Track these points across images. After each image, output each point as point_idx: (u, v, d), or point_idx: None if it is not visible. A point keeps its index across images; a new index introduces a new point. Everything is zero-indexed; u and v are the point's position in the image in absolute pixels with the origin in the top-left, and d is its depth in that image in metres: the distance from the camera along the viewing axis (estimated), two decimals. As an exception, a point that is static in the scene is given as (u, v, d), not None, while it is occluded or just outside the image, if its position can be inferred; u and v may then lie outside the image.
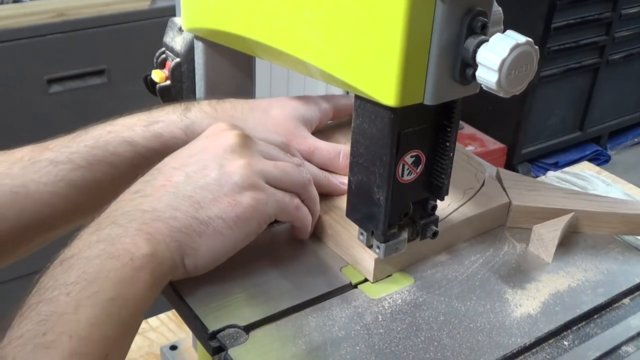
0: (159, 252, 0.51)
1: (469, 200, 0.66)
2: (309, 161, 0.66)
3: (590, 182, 1.14)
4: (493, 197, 0.67)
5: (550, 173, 1.23)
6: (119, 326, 0.47)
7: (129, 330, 0.49)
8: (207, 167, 0.55)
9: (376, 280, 0.59)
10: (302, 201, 0.59)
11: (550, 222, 0.64)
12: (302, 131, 0.67)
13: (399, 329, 0.55)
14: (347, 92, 0.58)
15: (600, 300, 0.59)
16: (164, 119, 0.64)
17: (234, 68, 0.75)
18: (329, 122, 0.73)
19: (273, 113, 0.67)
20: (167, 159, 0.57)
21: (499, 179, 0.70)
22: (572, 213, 0.65)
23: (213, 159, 0.55)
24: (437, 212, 0.58)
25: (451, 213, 0.64)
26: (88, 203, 0.63)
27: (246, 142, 0.57)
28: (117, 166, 0.63)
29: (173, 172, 0.55)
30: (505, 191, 0.68)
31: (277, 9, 0.58)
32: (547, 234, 0.63)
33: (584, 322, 0.57)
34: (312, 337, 0.53)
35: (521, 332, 0.55)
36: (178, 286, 0.56)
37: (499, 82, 0.46)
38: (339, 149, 0.67)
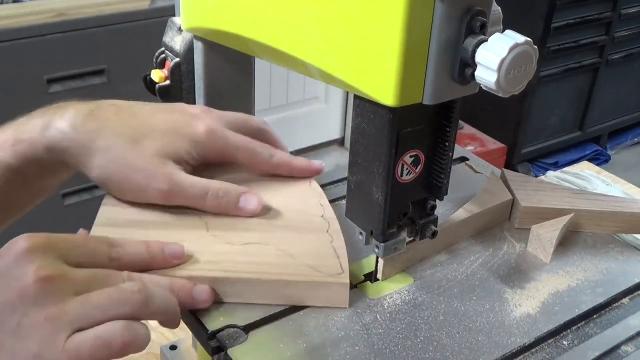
0: None
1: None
2: (172, 201, 0.61)
3: (590, 182, 1.14)
4: (497, 194, 0.67)
5: (550, 173, 1.23)
6: None
7: None
8: (1, 323, 0.46)
9: (385, 278, 0.59)
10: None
11: (550, 223, 0.64)
12: (167, 168, 0.60)
13: (398, 329, 0.55)
14: (347, 93, 0.58)
15: (600, 300, 0.59)
16: (27, 138, 0.60)
17: (233, 68, 0.75)
18: None
19: (144, 145, 0.60)
20: None
21: (504, 180, 0.70)
22: (572, 214, 0.65)
23: (10, 311, 0.46)
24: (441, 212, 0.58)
25: (456, 212, 0.64)
26: None
27: (50, 284, 0.47)
28: (4, 188, 0.60)
29: None
30: (511, 190, 0.68)
31: (277, 9, 0.58)
32: (546, 235, 0.63)
33: (583, 322, 0.57)
34: (312, 337, 0.53)
35: (521, 332, 0.55)
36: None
37: (498, 82, 0.46)
38: (207, 189, 0.61)
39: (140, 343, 0.48)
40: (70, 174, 0.64)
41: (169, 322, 0.52)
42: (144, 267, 0.54)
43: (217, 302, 0.55)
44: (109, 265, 0.52)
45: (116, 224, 0.59)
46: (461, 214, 0.64)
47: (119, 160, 0.59)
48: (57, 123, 0.60)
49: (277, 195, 0.65)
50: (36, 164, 0.60)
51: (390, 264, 0.59)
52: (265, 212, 0.63)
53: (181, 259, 0.56)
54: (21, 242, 0.48)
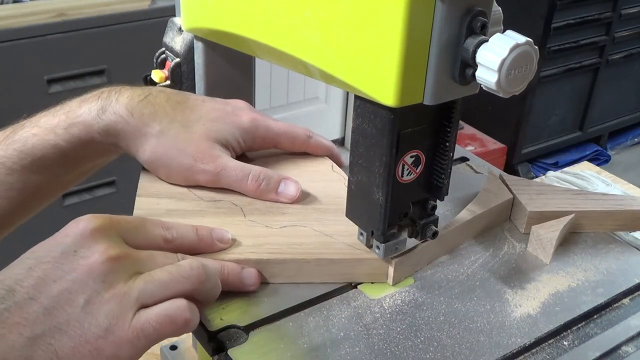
0: None
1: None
2: (216, 182, 0.64)
3: (590, 182, 1.14)
4: (497, 193, 0.67)
5: (550, 173, 1.23)
6: None
7: None
8: (69, 300, 0.46)
9: (395, 283, 0.59)
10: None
11: (549, 223, 0.64)
12: (215, 150, 0.64)
13: (398, 329, 0.55)
14: (347, 93, 0.58)
15: (600, 300, 0.59)
16: (82, 120, 0.62)
17: (233, 68, 0.75)
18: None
19: (194, 129, 0.64)
20: (20, 270, 0.47)
21: (502, 181, 0.70)
22: (573, 214, 0.65)
23: (78, 288, 0.47)
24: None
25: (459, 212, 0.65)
26: (28, 204, 0.64)
27: (117, 263, 0.48)
28: (48, 168, 0.63)
29: (29, 304, 0.46)
30: (513, 194, 0.68)
31: (277, 9, 0.58)
32: (546, 235, 0.63)
33: (583, 322, 0.57)
34: (312, 337, 0.53)
35: (521, 332, 0.55)
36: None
37: (498, 82, 0.46)
38: (248, 171, 0.64)
39: (196, 322, 0.50)
40: (118, 155, 0.67)
41: (207, 304, 0.54)
42: (193, 249, 0.56)
43: (217, 302, 0.55)
44: (164, 247, 0.54)
45: (154, 214, 0.61)
46: (465, 214, 0.64)
47: (170, 142, 0.62)
48: (113, 106, 0.62)
49: (304, 180, 0.67)
50: (89, 146, 0.63)
51: (399, 268, 0.59)
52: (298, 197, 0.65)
53: (227, 243, 0.58)
54: (86, 222, 0.49)
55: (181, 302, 0.49)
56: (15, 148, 0.62)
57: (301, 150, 0.71)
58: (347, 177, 0.62)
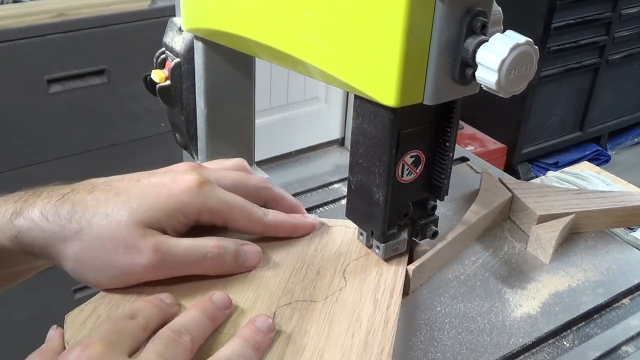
0: None
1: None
2: (164, 274, 0.53)
3: (590, 182, 1.14)
4: (497, 193, 0.68)
5: (550, 173, 1.23)
6: None
7: None
8: None
9: (412, 292, 0.58)
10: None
11: (550, 223, 0.64)
12: (149, 238, 0.52)
13: (399, 329, 0.54)
14: (347, 93, 0.58)
15: (600, 300, 0.59)
16: None
17: (234, 68, 0.75)
18: None
19: (119, 217, 0.52)
20: None
21: (501, 182, 0.70)
22: (573, 215, 0.65)
23: None
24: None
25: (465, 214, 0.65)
26: None
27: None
28: None
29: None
30: (510, 189, 0.68)
31: (277, 9, 0.58)
32: (545, 235, 0.63)
33: (584, 322, 0.58)
34: (312, 337, 0.53)
35: (521, 332, 0.55)
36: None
37: (498, 82, 0.46)
38: (203, 249, 0.54)
39: None
40: (41, 266, 0.58)
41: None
42: (210, 332, 0.50)
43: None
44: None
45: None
46: (471, 216, 0.64)
47: (94, 242, 0.52)
48: (28, 210, 0.53)
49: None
50: (1, 253, 0.54)
51: (417, 276, 0.58)
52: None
53: (230, 307, 0.52)
54: (83, 357, 0.44)
55: None
56: None
57: (260, 233, 0.59)
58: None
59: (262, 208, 0.59)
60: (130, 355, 0.46)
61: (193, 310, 0.50)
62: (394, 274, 0.56)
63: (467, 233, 0.63)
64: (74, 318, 0.51)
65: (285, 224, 0.60)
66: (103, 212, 0.52)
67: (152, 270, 0.52)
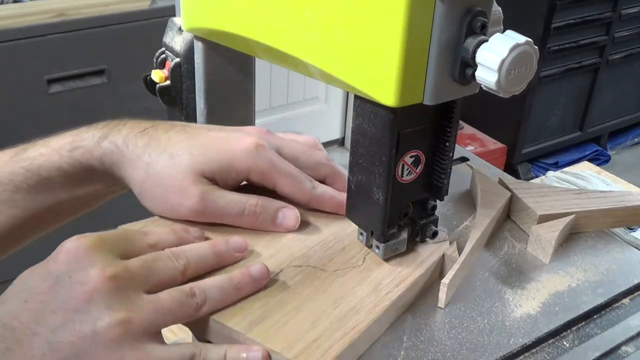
0: None
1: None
2: (206, 219, 0.59)
3: (590, 182, 1.14)
4: (497, 193, 0.68)
5: (550, 173, 1.23)
6: None
7: None
8: (75, 331, 0.45)
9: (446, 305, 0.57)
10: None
11: (550, 223, 0.64)
12: (199, 186, 0.58)
13: (399, 328, 0.54)
14: (347, 93, 0.58)
15: (600, 300, 0.59)
16: (84, 144, 0.60)
17: (234, 68, 0.75)
18: None
19: (180, 160, 0.58)
20: (14, 305, 0.46)
21: (502, 184, 0.70)
22: (573, 215, 0.65)
23: (82, 318, 0.45)
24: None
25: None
26: (29, 226, 0.62)
27: (119, 284, 0.47)
28: (52, 190, 0.61)
29: (34, 341, 0.44)
30: (518, 197, 0.68)
31: (277, 9, 0.58)
32: (545, 235, 0.63)
33: (583, 322, 0.57)
34: (311, 337, 0.53)
35: (521, 332, 0.55)
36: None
37: (498, 82, 0.46)
38: (243, 206, 0.59)
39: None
40: (115, 191, 0.64)
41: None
42: (212, 267, 0.54)
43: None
44: (178, 278, 0.52)
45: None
46: (482, 219, 0.64)
47: (156, 176, 0.58)
48: (114, 136, 0.60)
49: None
50: (89, 173, 0.61)
51: (451, 289, 0.58)
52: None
53: (245, 252, 0.57)
54: (75, 244, 0.48)
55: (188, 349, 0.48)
56: (22, 166, 0.60)
57: (305, 204, 0.62)
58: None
59: (314, 181, 0.62)
60: None
61: (203, 244, 0.55)
62: (415, 267, 0.57)
63: (483, 237, 0.63)
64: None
65: (332, 200, 0.62)
66: (170, 152, 0.59)
67: (195, 215, 0.58)
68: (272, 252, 0.58)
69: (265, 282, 0.54)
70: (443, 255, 0.59)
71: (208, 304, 0.51)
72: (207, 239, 0.58)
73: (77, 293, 0.46)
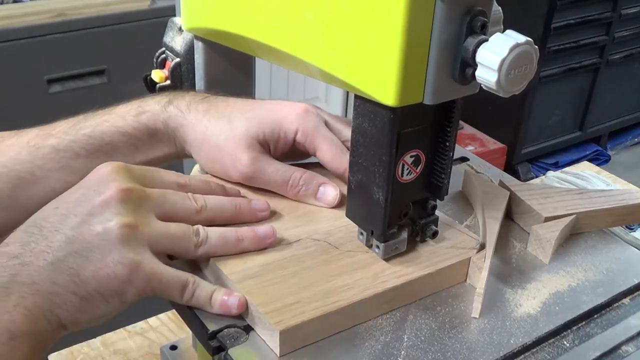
0: (38, 326, 0.49)
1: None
2: (253, 184, 0.64)
3: (590, 182, 1.14)
4: (497, 193, 0.68)
5: (550, 173, 1.23)
6: None
7: None
8: (88, 230, 0.52)
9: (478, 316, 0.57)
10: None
11: (550, 223, 0.64)
12: (252, 151, 0.63)
13: (398, 328, 0.54)
14: (347, 93, 0.58)
15: (600, 300, 0.59)
16: (150, 109, 0.65)
17: (234, 68, 0.75)
18: None
19: (236, 124, 0.64)
20: (48, 213, 0.53)
21: (503, 186, 0.70)
22: (574, 215, 0.65)
23: (95, 219, 0.52)
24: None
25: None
26: None
27: (131, 197, 0.53)
28: (113, 155, 0.65)
29: (55, 236, 0.51)
30: (519, 199, 0.67)
31: (277, 9, 0.58)
32: (545, 235, 0.63)
33: (584, 322, 0.57)
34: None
35: (521, 332, 0.55)
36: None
37: (498, 81, 0.46)
38: (288, 177, 0.64)
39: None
40: (173, 156, 0.68)
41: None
42: (230, 219, 0.59)
43: None
44: (194, 216, 0.57)
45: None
46: (493, 223, 0.64)
47: (213, 139, 0.64)
48: (178, 101, 0.66)
49: None
50: (153, 136, 0.66)
51: (478, 298, 0.57)
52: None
53: (267, 211, 0.61)
54: (104, 167, 0.55)
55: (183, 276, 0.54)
56: (84, 133, 0.64)
57: (339, 173, 0.65)
58: None
59: None
60: None
61: (225, 197, 0.61)
62: (425, 267, 0.57)
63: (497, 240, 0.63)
64: None
65: None
66: (227, 117, 0.64)
67: (245, 178, 0.64)
68: (299, 223, 0.61)
69: (270, 243, 0.58)
70: (470, 260, 0.59)
71: (207, 246, 0.56)
72: None
73: (95, 201, 0.53)
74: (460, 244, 0.60)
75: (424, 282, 0.57)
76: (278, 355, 0.51)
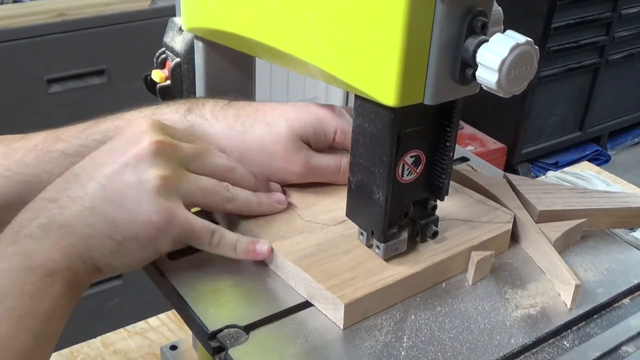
0: (74, 265, 0.52)
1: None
2: (307, 180, 0.66)
3: (590, 182, 1.14)
4: (504, 188, 0.68)
5: (550, 173, 1.23)
6: (35, 338, 0.48)
7: (46, 341, 0.49)
8: (122, 180, 0.54)
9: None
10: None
11: (556, 224, 0.64)
12: (302, 151, 0.64)
13: (398, 328, 0.55)
14: (347, 93, 0.58)
15: (600, 300, 0.59)
16: (167, 118, 0.64)
17: (234, 68, 0.75)
18: None
19: (277, 127, 0.63)
20: (85, 163, 0.56)
21: (509, 182, 0.70)
22: (584, 219, 0.65)
23: (130, 170, 0.54)
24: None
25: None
26: None
27: (165, 149, 0.55)
28: None
29: (89, 183, 0.54)
30: (521, 194, 0.67)
31: (277, 9, 0.58)
32: (547, 234, 0.63)
33: (584, 322, 0.57)
34: (312, 337, 0.53)
35: (521, 332, 0.55)
36: (178, 286, 0.57)
37: (499, 82, 0.46)
38: (339, 164, 0.66)
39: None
40: None
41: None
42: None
43: (218, 301, 0.55)
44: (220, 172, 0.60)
45: (298, 254, 0.59)
46: (522, 213, 0.65)
47: (256, 144, 0.63)
48: (199, 109, 0.65)
49: None
50: None
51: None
52: None
53: (284, 204, 0.64)
54: (141, 124, 0.57)
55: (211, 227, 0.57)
56: (94, 139, 0.63)
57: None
58: None
59: None
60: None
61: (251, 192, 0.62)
62: (470, 239, 0.60)
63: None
64: None
65: None
66: (263, 120, 0.64)
67: (300, 178, 0.66)
68: (344, 204, 0.61)
69: (282, 209, 0.63)
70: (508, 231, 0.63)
71: (235, 202, 0.60)
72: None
73: (130, 152, 0.55)
74: (495, 219, 0.63)
75: (469, 255, 0.59)
76: (342, 327, 0.54)
